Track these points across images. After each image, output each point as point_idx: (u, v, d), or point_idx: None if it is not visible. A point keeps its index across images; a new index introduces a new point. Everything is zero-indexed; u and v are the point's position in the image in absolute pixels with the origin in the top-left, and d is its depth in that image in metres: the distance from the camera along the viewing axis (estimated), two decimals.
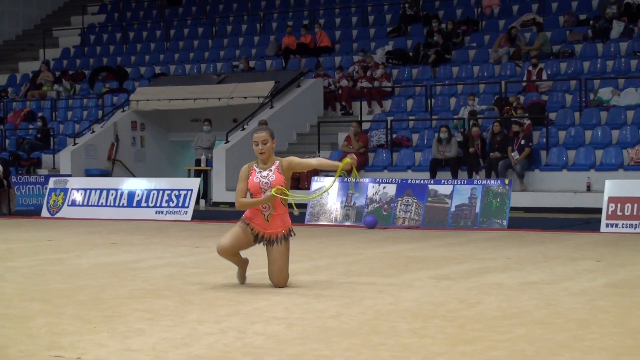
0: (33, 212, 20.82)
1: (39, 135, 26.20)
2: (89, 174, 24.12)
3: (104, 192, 20.00)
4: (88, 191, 20.21)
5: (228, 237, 8.98)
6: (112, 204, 19.81)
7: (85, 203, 20.03)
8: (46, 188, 20.77)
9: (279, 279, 8.93)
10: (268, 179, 8.85)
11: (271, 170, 8.93)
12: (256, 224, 8.93)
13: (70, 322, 7.21)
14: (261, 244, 8.98)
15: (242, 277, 9.27)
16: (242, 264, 9.23)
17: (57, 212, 20.08)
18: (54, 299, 8.45)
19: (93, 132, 25.35)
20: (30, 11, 34.69)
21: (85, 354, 6.06)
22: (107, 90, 27.97)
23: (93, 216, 19.52)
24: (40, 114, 27.28)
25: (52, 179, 20.99)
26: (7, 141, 26.69)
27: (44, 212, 20.22)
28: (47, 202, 20.33)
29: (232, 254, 9.02)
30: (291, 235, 9.02)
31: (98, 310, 7.78)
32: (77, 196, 20.23)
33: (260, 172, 8.93)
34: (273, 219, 8.89)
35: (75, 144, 24.81)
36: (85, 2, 34.87)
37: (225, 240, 8.98)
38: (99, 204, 19.88)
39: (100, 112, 26.89)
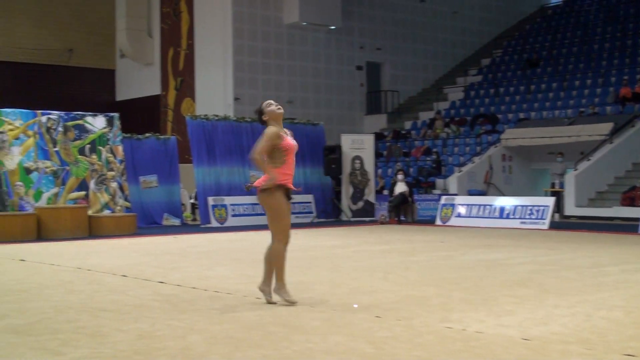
0: (429, 221, 21.17)
1: (433, 165, 26.66)
2: (470, 193, 24.19)
3: (482, 207, 20.02)
4: (470, 206, 20.31)
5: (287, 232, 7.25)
6: (487, 215, 19.76)
7: (467, 215, 20.12)
8: (439, 203, 21.07)
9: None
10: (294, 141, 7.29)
11: (287, 134, 7.28)
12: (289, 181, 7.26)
13: (457, 303, 7.25)
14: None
15: (270, 292, 7.30)
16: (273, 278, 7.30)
17: (447, 221, 20.29)
18: (445, 285, 8.54)
19: (473, 162, 25.44)
20: (427, 75, 35.46)
21: (469, 327, 6.07)
22: (483, 131, 27.94)
23: (473, 225, 19.53)
24: (434, 150, 27.76)
25: (443, 197, 21.27)
26: (411, 169, 27.38)
27: (437, 221, 20.51)
28: (439, 214, 20.61)
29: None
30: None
31: (478, 295, 7.76)
32: (462, 210, 20.36)
33: (287, 135, 7.28)
34: None
35: (460, 171, 25.00)
36: (467, 67, 35.14)
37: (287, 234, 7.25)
38: (478, 215, 19.90)
39: (478, 148, 26.89)
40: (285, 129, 7.32)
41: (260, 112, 7.29)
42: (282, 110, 7.29)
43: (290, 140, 7.23)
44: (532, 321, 6.29)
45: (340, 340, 5.62)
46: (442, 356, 5.17)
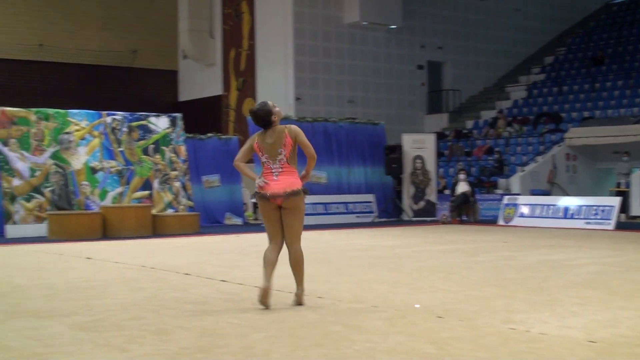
0: (491, 221, 20.96)
1: (495, 165, 26.36)
2: (533, 193, 23.86)
3: (545, 207, 19.73)
4: (533, 206, 20.05)
5: (271, 237, 6.93)
6: (551, 215, 19.48)
7: (531, 215, 19.87)
8: (501, 203, 20.83)
9: (288, 237, 6.96)
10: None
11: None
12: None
13: (520, 304, 7.15)
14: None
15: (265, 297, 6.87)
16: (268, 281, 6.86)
17: (510, 221, 20.06)
18: (508, 285, 8.43)
19: (536, 162, 25.11)
20: (489, 74, 35.10)
21: (533, 328, 5.99)
22: (547, 130, 27.54)
23: (536, 225, 19.27)
24: (496, 149, 27.44)
25: (506, 197, 21.04)
26: (473, 169, 27.13)
27: (500, 221, 20.29)
28: (502, 214, 20.39)
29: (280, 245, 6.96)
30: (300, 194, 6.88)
31: (541, 296, 7.65)
32: (525, 210, 20.10)
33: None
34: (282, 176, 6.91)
35: (523, 171, 24.69)
36: (530, 65, 34.67)
37: (271, 239, 6.92)
38: (541, 215, 19.63)
39: (541, 147, 26.52)
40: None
41: (270, 113, 6.98)
42: None
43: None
44: (597, 323, 6.16)
45: (402, 340, 5.59)
46: (505, 357, 5.11)
